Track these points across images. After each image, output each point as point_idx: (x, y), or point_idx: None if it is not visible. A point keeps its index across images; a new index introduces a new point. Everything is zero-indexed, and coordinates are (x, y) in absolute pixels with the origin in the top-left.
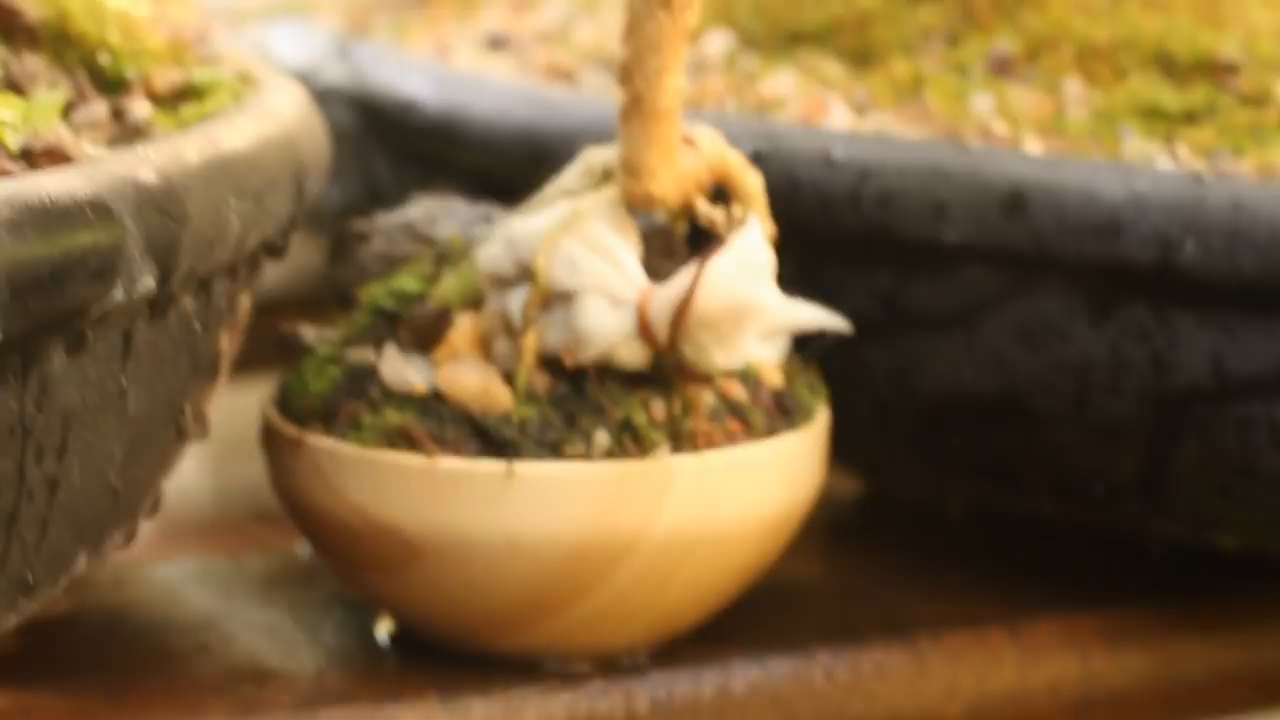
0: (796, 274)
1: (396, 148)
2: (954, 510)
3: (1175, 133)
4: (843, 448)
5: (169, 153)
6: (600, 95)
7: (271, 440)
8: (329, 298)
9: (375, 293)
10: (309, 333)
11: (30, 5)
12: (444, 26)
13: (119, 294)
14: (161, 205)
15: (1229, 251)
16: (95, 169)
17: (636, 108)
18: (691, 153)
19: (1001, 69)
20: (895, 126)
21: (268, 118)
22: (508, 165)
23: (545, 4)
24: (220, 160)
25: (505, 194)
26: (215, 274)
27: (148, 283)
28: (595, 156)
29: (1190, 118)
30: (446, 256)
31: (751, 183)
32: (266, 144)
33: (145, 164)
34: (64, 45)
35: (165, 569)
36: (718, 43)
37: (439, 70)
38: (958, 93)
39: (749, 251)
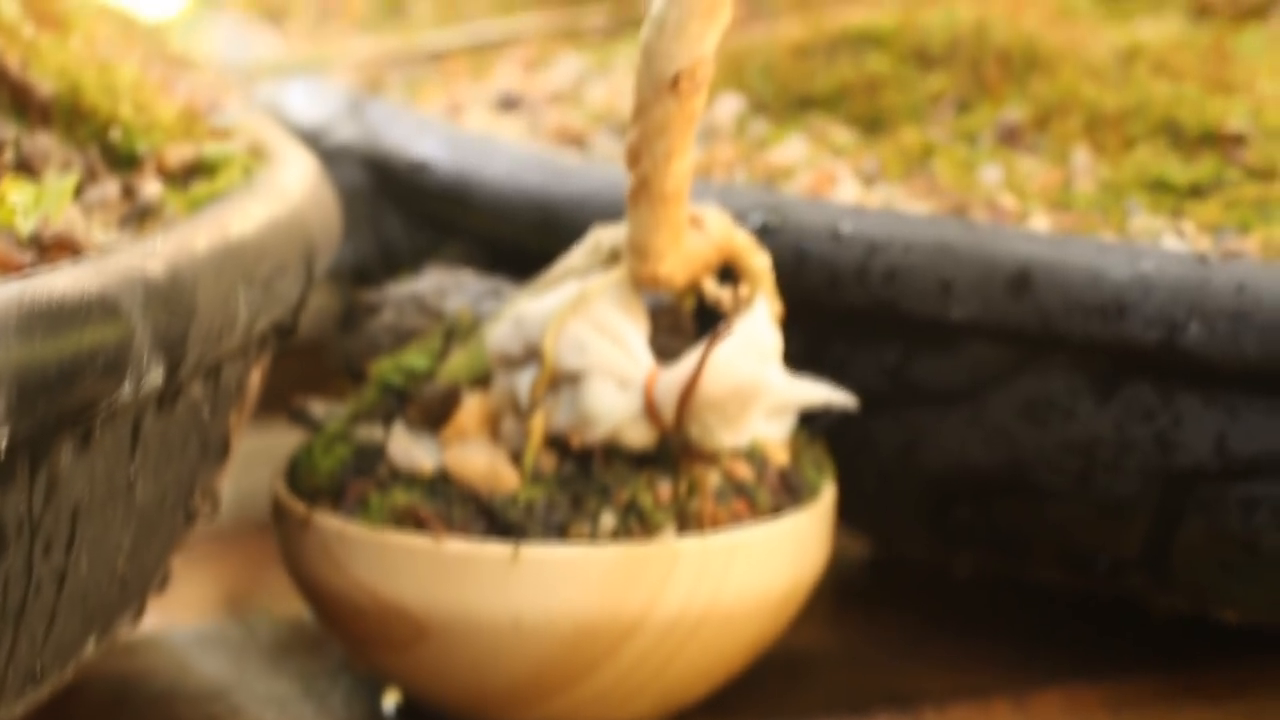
0: (804, 346)
1: (409, 208)
2: (961, 573)
3: (1182, 207)
4: (850, 515)
5: (177, 243)
6: (610, 162)
7: (281, 517)
8: (339, 368)
9: (384, 369)
10: (318, 408)
11: (42, 81)
12: (457, 84)
13: (127, 390)
14: (169, 300)
15: (1233, 334)
16: (103, 264)
17: (644, 190)
18: (699, 234)
19: (1010, 138)
20: (903, 199)
21: (277, 198)
22: (518, 230)
23: (558, 62)
24: (229, 248)
25: (517, 258)
26: (224, 360)
27: (156, 377)
28: (604, 235)
29: (1197, 191)
30: (455, 332)
31: (759, 263)
32: (275, 227)
33: (153, 257)
34: (76, 120)
35: (176, 634)
36: (729, 106)
37: (450, 132)
38: (966, 163)
39: (755, 334)
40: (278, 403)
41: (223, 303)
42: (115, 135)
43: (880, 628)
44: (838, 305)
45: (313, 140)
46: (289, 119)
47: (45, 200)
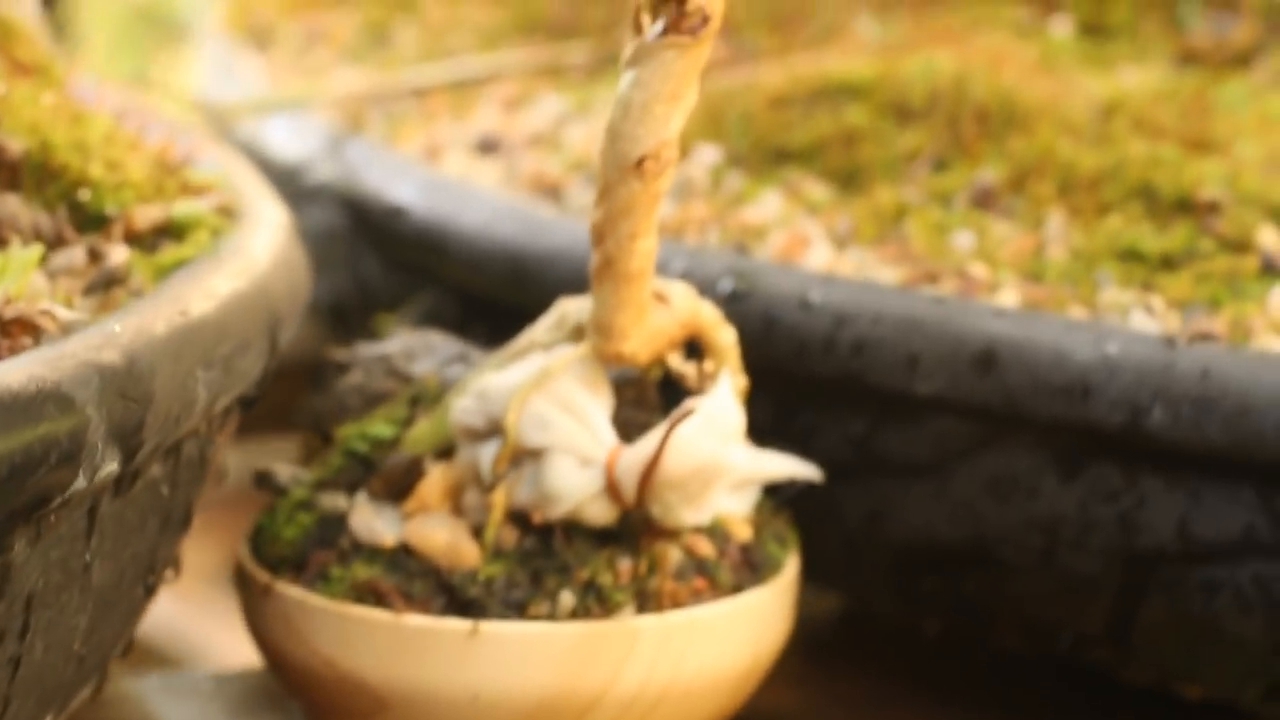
0: (772, 413)
1: (385, 252)
2: (930, 633)
3: (1153, 280)
4: (819, 575)
5: (136, 327)
6: (582, 217)
7: (244, 583)
8: (307, 427)
9: (349, 435)
10: (284, 471)
11: (13, 139)
12: (437, 123)
13: (81, 482)
14: (125, 390)
15: (1197, 420)
16: (58, 355)
17: (608, 270)
18: (664, 309)
19: (984, 200)
20: (875, 264)
21: (242, 269)
22: (491, 283)
23: (539, 102)
24: (189, 330)
25: (489, 310)
26: (184, 439)
27: (111, 467)
28: (570, 308)
29: (1168, 262)
30: (421, 399)
31: (724, 338)
32: (239, 302)
33: (110, 345)
34: (46, 178)
35: (144, 684)
36: (705, 157)
37: (428, 178)
38: (939, 226)
39: (718, 412)
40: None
41: (181, 387)
42: (84, 196)
43: (847, 687)
44: (805, 374)
45: (292, 177)
46: (269, 155)
47: (9, 271)
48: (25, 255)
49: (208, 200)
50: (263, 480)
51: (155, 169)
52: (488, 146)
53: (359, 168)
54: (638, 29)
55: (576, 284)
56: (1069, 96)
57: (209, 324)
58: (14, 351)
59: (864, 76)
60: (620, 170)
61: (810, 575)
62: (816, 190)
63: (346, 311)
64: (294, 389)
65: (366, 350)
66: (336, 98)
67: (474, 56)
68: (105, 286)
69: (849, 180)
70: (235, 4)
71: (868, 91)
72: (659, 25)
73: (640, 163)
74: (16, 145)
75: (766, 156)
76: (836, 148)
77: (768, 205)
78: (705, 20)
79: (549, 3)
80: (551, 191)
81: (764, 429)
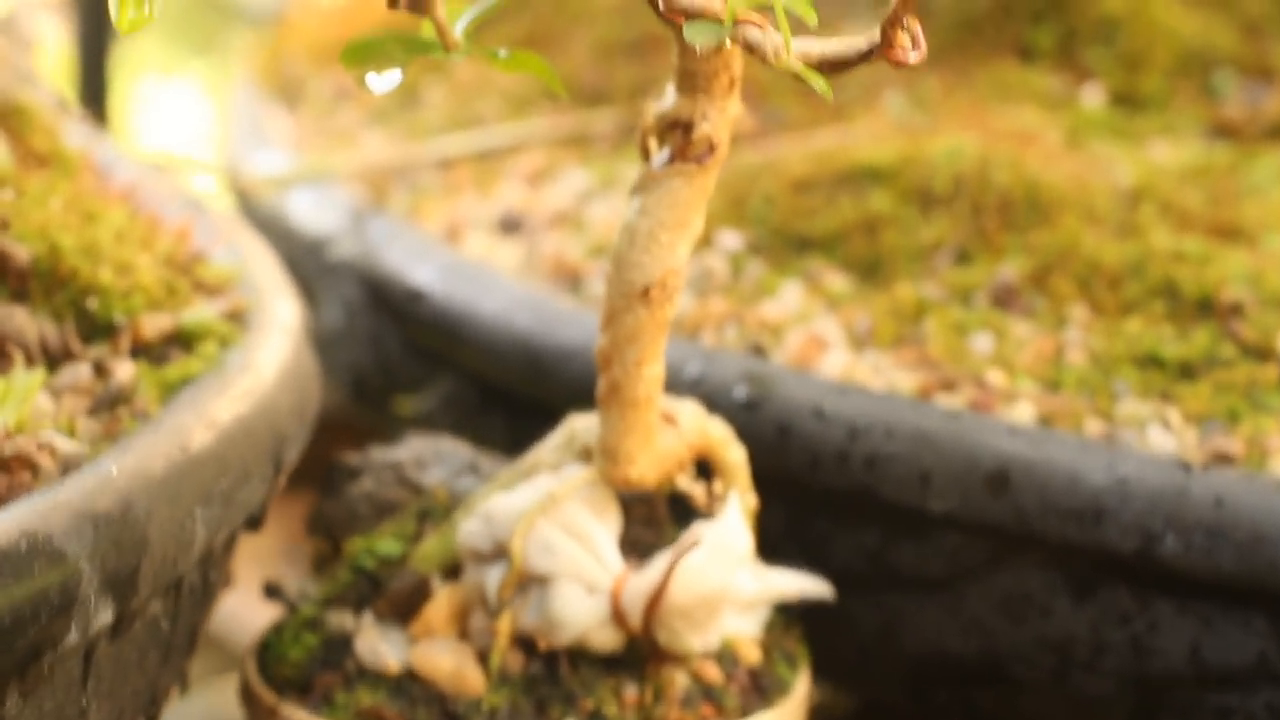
0: (786, 522)
1: (405, 332)
2: None
3: (1171, 390)
4: (833, 676)
5: (133, 468)
6: (596, 313)
7: (250, 700)
8: (317, 533)
9: (357, 550)
10: (292, 586)
11: (21, 245)
12: (461, 197)
13: (74, 637)
14: (119, 539)
15: (1209, 548)
16: (52, 504)
17: (615, 395)
18: (672, 431)
19: (1005, 299)
20: (891, 368)
21: (248, 390)
22: (507, 373)
23: (563, 176)
24: (188, 467)
25: (505, 400)
26: (184, 575)
27: (105, 618)
28: (578, 426)
29: (1188, 371)
30: (430, 513)
31: (734, 457)
32: (243, 429)
33: (105, 490)
34: (54, 285)
35: None
36: (727, 243)
37: (448, 261)
38: (959, 326)
39: (725, 538)
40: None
41: (178, 529)
42: (93, 304)
43: None
44: (819, 485)
45: (315, 252)
46: (292, 228)
47: (11, 398)
48: (27, 381)
49: (218, 303)
50: (271, 592)
51: (167, 268)
52: (510, 225)
53: (380, 246)
54: (644, 155)
55: (593, 380)
56: (1095, 181)
57: (209, 458)
58: (13, 489)
59: (888, 160)
60: (626, 298)
61: (825, 677)
62: (837, 281)
63: (367, 387)
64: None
65: (378, 455)
66: (361, 169)
67: (500, 125)
68: (110, 406)
69: (870, 270)
70: (267, 55)
71: (891, 176)
72: (665, 153)
73: (646, 291)
74: (24, 253)
75: (788, 244)
76: (859, 236)
77: (787, 299)
78: (712, 149)
79: (578, 65)
80: (572, 277)
81: (777, 536)
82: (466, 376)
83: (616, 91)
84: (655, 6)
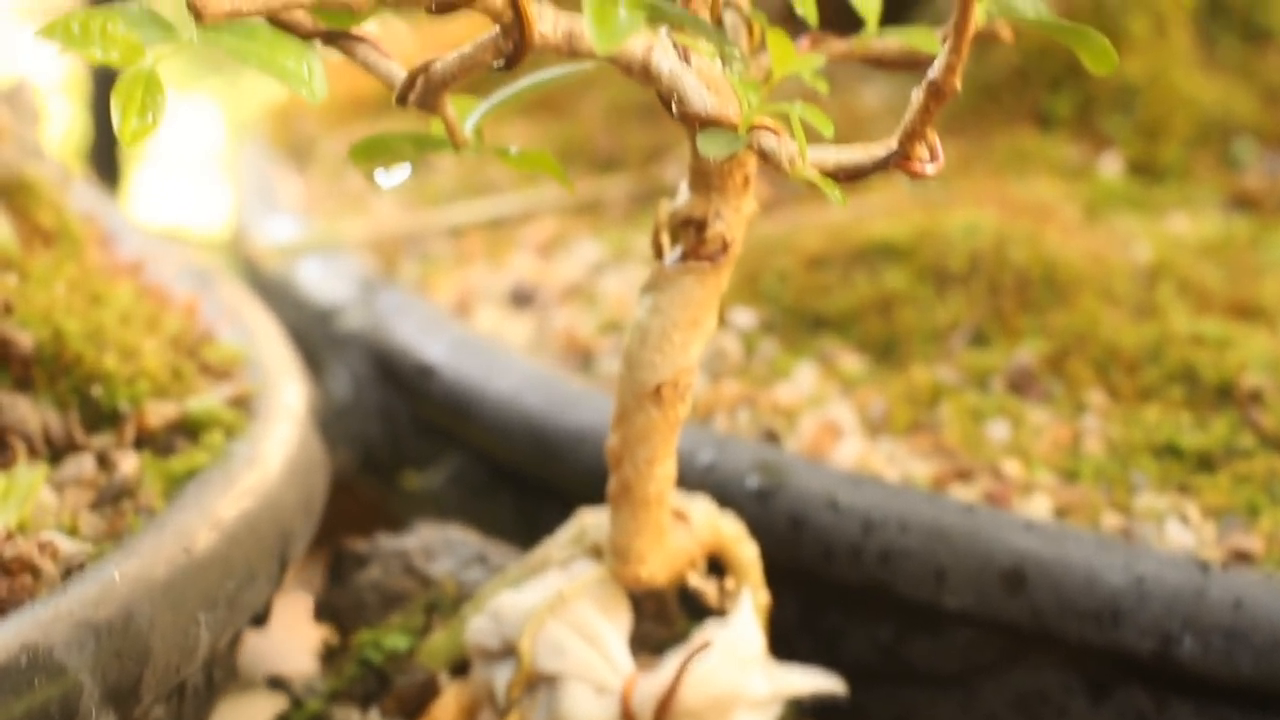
0: (798, 615)
1: (414, 407)
2: None
3: (1190, 482)
4: None
5: (136, 573)
6: (608, 395)
7: None
8: (324, 621)
9: (365, 643)
10: (298, 681)
11: (24, 334)
12: (471, 268)
13: None
14: (121, 650)
15: (1228, 651)
16: (53, 615)
17: (626, 494)
18: (684, 529)
19: (1022, 384)
20: (906, 456)
21: (254, 485)
22: (518, 453)
23: (575, 247)
24: (192, 571)
25: (516, 479)
26: (188, 679)
27: None
28: (588, 522)
29: (1206, 462)
30: (438, 605)
31: (746, 554)
32: (248, 528)
33: (107, 599)
34: (59, 372)
35: None
36: (741, 321)
37: (458, 337)
38: (975, 412)
39: (736, 640)
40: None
41: (182, 635)
42: (97, 391)
43: None
44: (833, 577)
45: (324, 322)
46: (301, 297)
47: (13, 496)
48: (30, 478)
49: (225, 388)
50: (277, 685)
51: (173, 351)
52: (521, 298)
53: (390, 318)
54: (657, 253)
55: (603, 464)
56: (1113, 258)
57: (214, 560)
58: (14, 594)
59: (904, 236)
60: (638, 397)
61: None
62: (851, 362)
63: (374, 460)
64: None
65: (386, 543)
66: (371, 237)
67: (512, 191)
68: (114, 500)
69: (885, 351)
70: (277, 115)
71: (907, 253)
72: (678, 251)
73: (658, 390)
74: (27, 339)
75: (802, 322)
76: (874, 315)
77: (801, 381)
78: (725, 248)
79: (590, 129)
80: (583, 355)
81: (790, 628)
82: (476, 454)
83: (629, 156)
84: (668, 108)
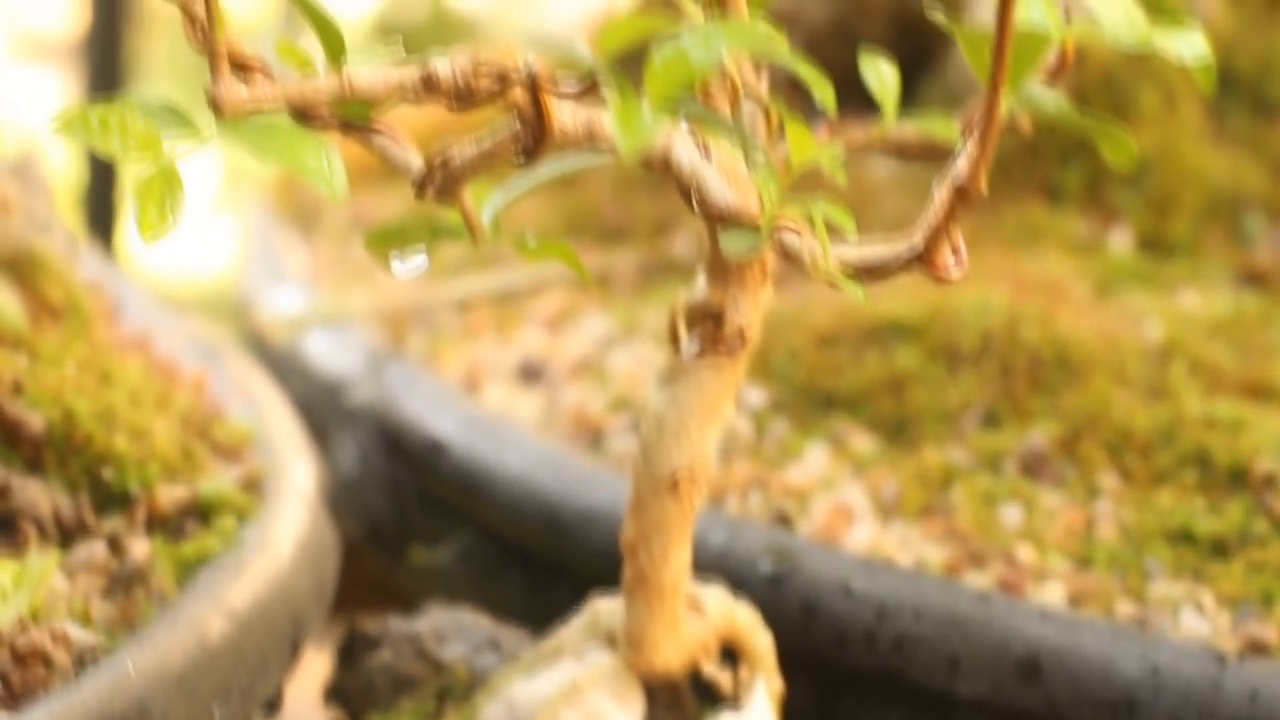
0: (811, 701)
1: (423, 482)
2: None
3: (1204, 569)
4: None
5: (150, 664)
6: (619, 475)
7: None
8: (334, 704)
9: None
10: None
11: (35, 415)
12: (480, 342)
13: None
14: None
15: None
16: (67, 707)
17: (641, 584)
18: (698, 619)
19: (1033, 466)
20: (919, 540)
21: (265, 571)
22: (527, 532)
23: (583, 321)
24: (205, 660)
25: (525, 558)
26: None
27: None
28: (602, 609)
29: (1220, 549)
30: (449, 691)
31: (760, 643)
32: (261, 616)
33: (120, 692)
34: (69, 453)
35: None
36: (751, 399)
37: (468, 413)
38: (987, 495)
39: None
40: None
41: None
42: (108, 473)
43: None
44: (846, 664)
45: (332, 395)
46: (309, 370)
47: (24, 585)
48: (41, 565)
49: (235, 469)
50: None
51: (183, 430)
52: (530, 374)
53: (399, 393)
54: (674, 343)
55: (614, 544)
56: (1125, 337)
57: (227, 650)
58: (27, 686)
59: (915, 315)
60: (654, 487)
61: None
62: (863, 442)
63: (382, 535)
64: None
65: (397, 626)
66: (379, 310)
67: (519, 264)
68: (126, 587)
69: (897, 431)
70: (282, 180)
71: (918, 332)
72: (695, 342)
73: (674, 481)
74: (38, 420)
75: (813, 402)
76: (885, 395)
77: (812, 462)
78: (743, 339)
79: (598, 200)
80: (593, 433)
81: (803, 714)
82: (485, 531)
83: (637, 228)
84: (688, 201)
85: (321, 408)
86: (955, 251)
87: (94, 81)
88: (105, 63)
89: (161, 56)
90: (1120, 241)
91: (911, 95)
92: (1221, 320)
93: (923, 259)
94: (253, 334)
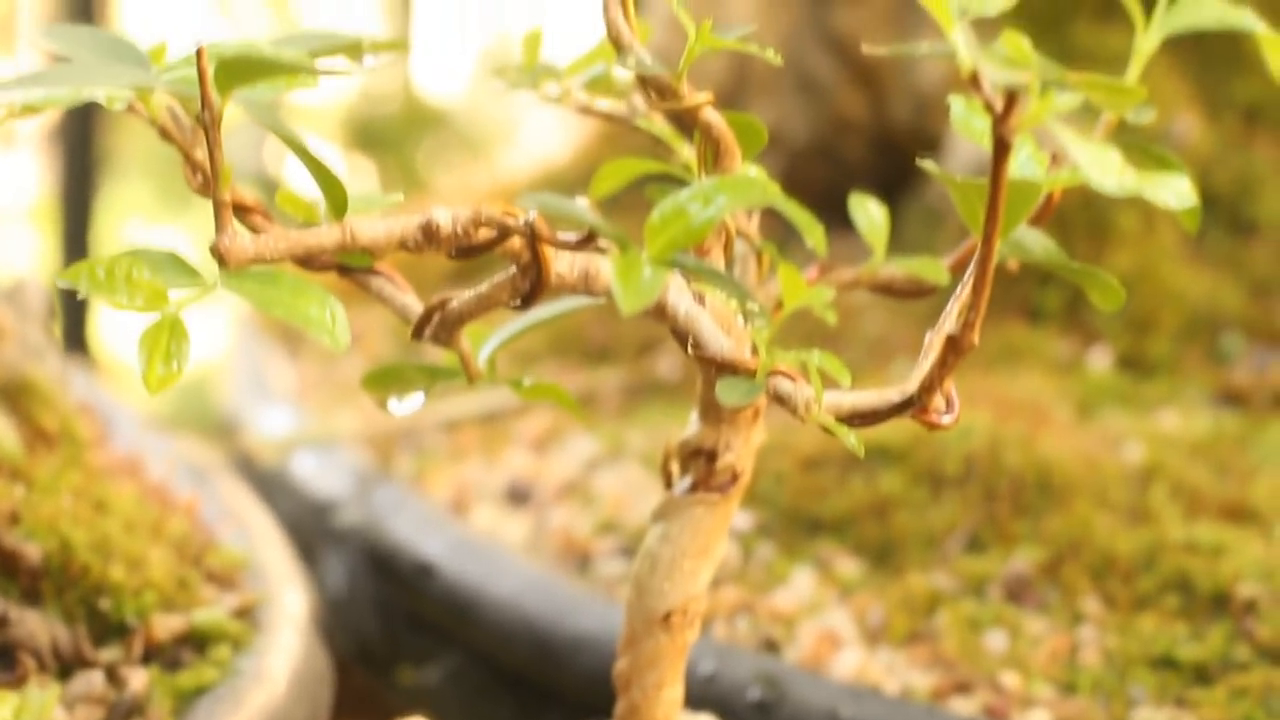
0: None
1: (412, 605)
2: None
3: (1187, 695)
4: None
5: None
6: (609, 601)
7: None
8: None
9: None
10: None
11: (32, 546)
12: (467, 463)
13: None
14: None
15: None
16: None
17: (634, 718)
18: None
19: (1017, 591)
20: (905, 667)
21: (263, 704)
22: (518, 656)
23: (569, 442)
24: None
25: (516, 681)
26: None
27: None
28: None
29: (1202, 675)
30: None
31: None
32: None
33: None
34: (66, 583)
35: None
36: (738, 523)
37: (456, 536)
38: (972, 621)
39: None
40: None
41: None
42: (105, 604)
43: None
44: None
45: (320, 516)
46: (298, 491)
47: (27, 715)
48: (41, 699)
49: (230, 598)
50: None
51: (177, 558)
52: (517, 496)
53: (387, 515)
54: (666, 482)
55: (604, 670)
56: (1106, 460)
57: None
58: None
59: (899, 439)
60: (647, 623)
61: None
62: (849, 567)
63: (370, 655)
64: None
65: None
66: (366, 432)
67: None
68: (124, 718)
69: (883, 555)
70: None
71: (902, 456)
72: (687, 480)
73: (668, 617)
74: (35, 551)
75: (799, 525)
76: (870, 519)
77: (799, 586)
78: (735, 478)
79: (583, 320)
80: (581, 556)
81: None
82: (474, 653)
83: (622, 348)
84: (683, 345)
85: (310, 528)
86: (948, 402)
87: (67, 170)
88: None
89: (133, 148)
90: (1100, 361)
91: (891, 209)
92: (1201, 441)
93: (915, 406)
94: (240, 454)
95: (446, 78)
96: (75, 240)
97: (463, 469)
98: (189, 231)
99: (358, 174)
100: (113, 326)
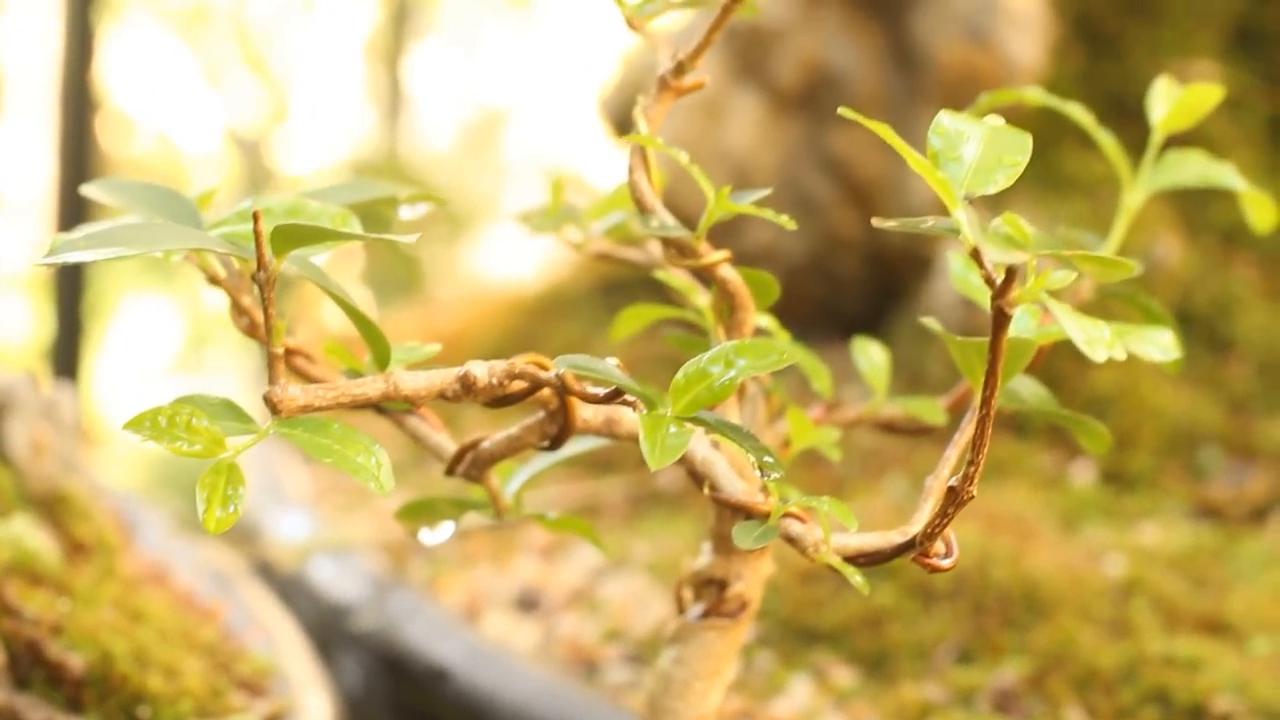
0: None
1: (425, 706)
2: None
3: None
4: None
5: None
6: (614, 707)
7: None
8: None
9: None
10: None
11: (75, 656)
12: (478, 570)
13: None
14: None
15: None
16: None
17: None
18: None
19: (1004, 703)
20: None
21: None
22: None
23: (576, 551)
24: None
25: None
26: None
27: None
28: None
29: None
30: None
31: None
32: None
33: None
34: (108, 692)
35: None
36: None
37: (470, 642)
38: None
39: None
40: None
41: None
42: (144, 712)
43: None
44: None
45: (336, 620)
46: (315, 594)
47: None
48: None
49: (259, 704)
50: None
51: (210, 665)
52: (527, 604)
53: (402, 620)
54: (679, 607)
55: None
56: (1088, 574)
57: None
58: None
59: None
60: None
61: None
62: (844, 676)
63: None
64: None
65: None
66: (380, 538)
67: None
68: None
69: (876, 665)
70: None
71: (895, 570)
72: (699, 607)
73: None
74: (78, 661)
75: (797, 636)
76: (864, 630)
77: (797, 695)
78: (744, 606)
79: None
80: (587, 663)
81: None
82: None
83: (625, 458)
84: (700, 487)
85: (327, 629)
86: (947, 545)
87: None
88: (72, 223)
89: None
90: (1083, 475)
91: (883, 324)
92: (1179, 554)
93: (917, 551)
94: (259, 559)
95: (431, 137)
96: (69, 308)
97: (474, 575)
98: (174, 299)
99: (345, 250)
100: (100, 397)
